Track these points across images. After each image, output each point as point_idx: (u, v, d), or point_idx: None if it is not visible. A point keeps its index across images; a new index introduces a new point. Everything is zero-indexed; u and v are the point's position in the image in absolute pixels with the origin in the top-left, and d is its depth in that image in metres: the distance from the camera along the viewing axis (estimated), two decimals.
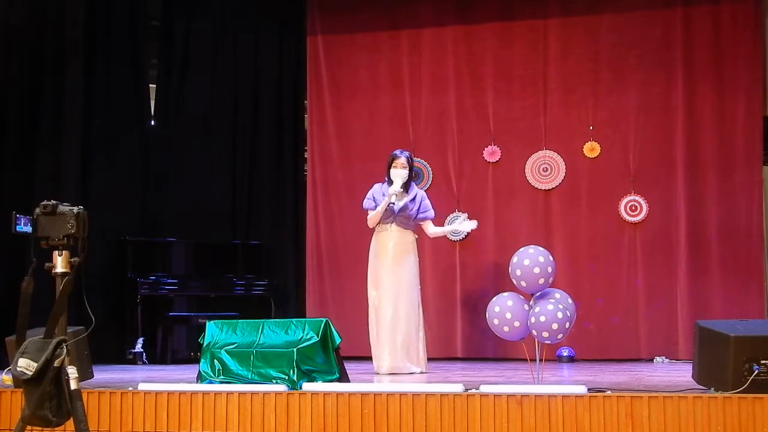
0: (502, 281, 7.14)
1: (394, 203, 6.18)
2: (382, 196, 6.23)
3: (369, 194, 6.35)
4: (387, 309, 6.15)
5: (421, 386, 4.38)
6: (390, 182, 6.24)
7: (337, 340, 5.00)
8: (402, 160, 6.24)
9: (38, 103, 7.55)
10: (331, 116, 8.53)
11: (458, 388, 4.16)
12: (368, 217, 6.32)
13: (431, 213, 6.41)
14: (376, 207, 6.23)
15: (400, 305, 6.14)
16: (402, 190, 6.21)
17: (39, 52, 7.59)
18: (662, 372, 6.14)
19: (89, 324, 3.45)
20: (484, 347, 7.81)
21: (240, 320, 5.19)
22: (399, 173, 6.20)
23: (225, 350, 4.93)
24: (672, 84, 7.76)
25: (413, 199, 6.28)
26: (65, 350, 3.10)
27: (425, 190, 7.97)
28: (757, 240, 7.53)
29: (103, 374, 5.72)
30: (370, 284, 6.32)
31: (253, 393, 4.30)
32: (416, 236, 6.39)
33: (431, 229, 6.48)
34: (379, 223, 6.27)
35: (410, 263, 6.25)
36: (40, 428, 3.23)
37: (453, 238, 8.05)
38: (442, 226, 7.93)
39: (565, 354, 7.43)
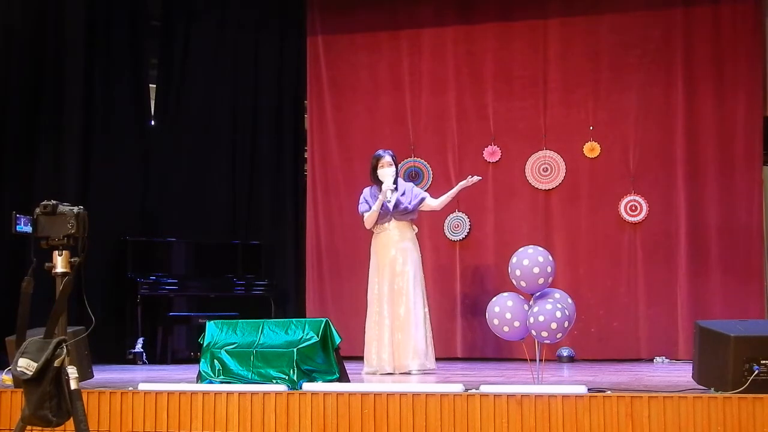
0: (502, 281, 7.14)
1: (389, 200, 6.17)
2: (373, 197, 6.25)
3: (361, 199, 6.38)
4: (393, 309, 6.12)
5: (421, 386, 4.38)
6: (377, 183, 6.26)
7: (337, 340, 5.00)
8: (387, 158, 6.27)
9: (38, 103, 7.56)
10: (331, 116, 8.53)
11: (458, 388, 4.16)
12: (364, 219, 6.31)
13: (425, 193, 6.42)
14: (370, 209, 6.23)
15: (407, 305, 6.12)
16: (394, 187, 6.23)
17: (39, 52, 7.59)
18: (662, 372, 6.14)
19: (89, 324, 3.44)
20: (484, 347, 7.82)
21: (240, 320, 5.19)
22: (388, 171, 6.23)
23: (225, 350, 4.93)
24: (672, 84, 7.76)
25: (403, 193, 6.29)
26: (65, 350, 3.10)
27: (425, 191, 7.99)
28: (757, 240, 7.53)
29: (103, 374, 5.72)
30: (371, 285, 6.29)
31: (253, 393, 4.30)
32: (416, 229, 6.38)
33: (436, 202, 6.43)
34: (376, 224, 6.27)
35: (414, 260, 6.23)
36: (40, 428, 3.22)
37: (453, 238, 8.05)
38: (443, 225, 7.96)
39: (565, 354, 7.43)
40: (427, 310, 6.29)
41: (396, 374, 5.99)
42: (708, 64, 7.72)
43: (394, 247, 6.22)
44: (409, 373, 6.02)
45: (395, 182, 6.29)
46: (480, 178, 6.56)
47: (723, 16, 7.72)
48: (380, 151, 6.36)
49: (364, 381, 5.50)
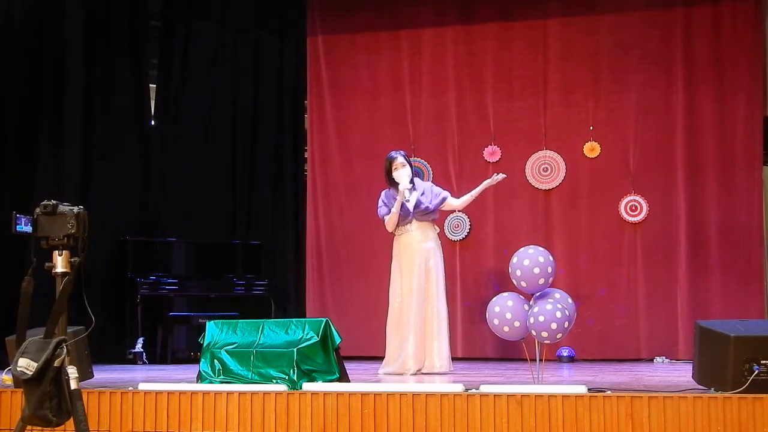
0: (502, 281, 7.14)
1: (408, 200, 6.14)
2: (391, 200, 6.18)
3: (379, 202, 6.29)
4: (418, 310, 6.04)
5: (421, 386, 4.38)
6: (393, 185, 6.20)
7: (337, 340, 4.99)
8: (400, 159, 6.20)
9: (38, 103, 7.56)
10: (331, 116, 8.53)
11: (458, 388, 4.16)
12: (385, 222, 6.20)
13: (446, 192, 6.34)
14: (390, 211, 6.16)
15: (432, 305, 6.09)
16: (411, 186, 6.19)
17: (39, 51, 7.59)
18: (662, 372, 6.14)
19: (89, 324, 3.44)
20: (484, 347, 7.81)
21: (240, 320, 5.18)
22: (404, 172, 6.15)
23: (225, 350, 4.93)
24: (672, 84, 7.76)
25: (423, 193, 6.23)
26: (65, 350, 3.10)
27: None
28: (757, 240, 7.53)
29: (103, 374, 5.72)
30: (393, 287, 6.19)
31: (253, 393, 4.30)
32: (437, 230, 6.33)
33: (457, 202, 6.39)
34: (397, 225, 6.19)
35: (438, 260, 6.17)
36: (40, 428, 3.23)
37: (453, 238, 8.05)
38: (443, 225, 7.94)
39: (565, 354, 7.43)
40: (447, 311, 6.25)
41: (419, 374, 5.94)
42: (708, 64, 7.72)
43: (417, 248, 6.14)
44: (434, 374, 5.97)
45: (412, 182, 6.24)
46: (505, 176, 6.36)
47: (723, 16, 7.72)
48: (392, 153, 6.25)
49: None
